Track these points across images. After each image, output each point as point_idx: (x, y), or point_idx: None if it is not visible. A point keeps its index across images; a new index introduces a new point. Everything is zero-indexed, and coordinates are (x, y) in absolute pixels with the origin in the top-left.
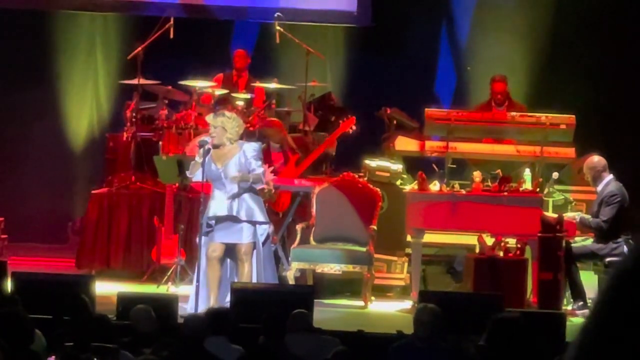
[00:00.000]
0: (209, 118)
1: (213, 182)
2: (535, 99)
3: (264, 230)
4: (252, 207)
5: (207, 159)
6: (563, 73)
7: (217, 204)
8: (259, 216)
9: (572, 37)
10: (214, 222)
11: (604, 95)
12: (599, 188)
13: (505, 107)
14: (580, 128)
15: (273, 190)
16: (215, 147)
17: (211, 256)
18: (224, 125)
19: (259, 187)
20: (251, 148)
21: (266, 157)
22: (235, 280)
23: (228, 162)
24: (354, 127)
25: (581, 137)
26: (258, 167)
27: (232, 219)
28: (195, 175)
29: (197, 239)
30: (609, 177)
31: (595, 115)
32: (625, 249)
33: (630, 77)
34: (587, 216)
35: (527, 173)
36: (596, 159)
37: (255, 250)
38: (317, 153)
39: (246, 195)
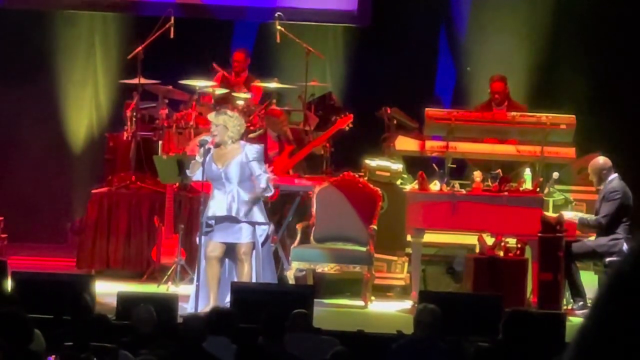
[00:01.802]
0: (211, 116)
1: (213, 182)
2: (535, 99)
3: (263, 230)
4: (251, 208)
5: (207, 158)
6: (563, 73)
7: (217, 204)
8: (259, 217)
9: (572, 36)
10: (213, 221)
11: (604, 95)
12: (602, 186)
13: (505, 107)
14: (580, 128)
15: (273, 191)
16: (217, 146)
17: (210, 256)
18: (226, 123)
19: (268, 194)
20: (253, 150)
21: (263, 142)
22: (235, 280)
23: (229, 163)
24: (350, 125)
25: (581, 137)
26: (263, 172)
27: (231, 219)
28: (196, 174)
29: (197, 239)
30: (613, 175)
31: (595, 116)
32: (625, 247)
33: (631, 76)
34: (586, 215)
35: (527, 173)
36: (602, 160)
37: (254, 251)
38: (311, 147)
39: (245, 197)
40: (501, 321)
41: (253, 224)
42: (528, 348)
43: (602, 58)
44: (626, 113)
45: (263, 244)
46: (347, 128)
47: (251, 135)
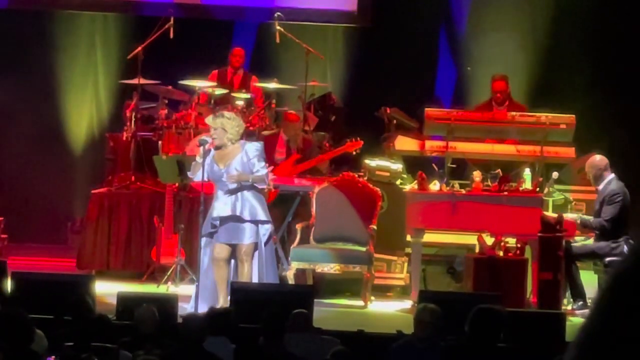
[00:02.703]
0: (209, 120)
1: (216, 183)
2: (535, 98)
3: (267, 230)
4: (255, 207)
5: (209, 159)
6: (563, 72)
7: (221, 205)
8: (262, 215)
9: (572, 36)
10: (218, 222)
11: (604, 95)
12: (601, 187)
13: (505, 106)
14: (580, 128)
15: (266, 183)
16: (217, 148)
17: (217, 257)
18: (224, 126)
19: (261, 186)
20: (253, 148)
21: (273, 143)
22: (235, 280)
23: (230, 163)
24: (358, 150)
25: (581, 137)
26: (262, 169)
27: (236, 219)
28: (197, 174)
29: (199, 239)
30: (610, 176)
31: (595, 115)
32: (625, 248)
33: (630, 76)
34: (588, 217)
35: (527, 173)
36: (598, 158)
37: (257, 251)
38: (317, 161)
39: (249, 195)
40: (468, 319)
41: (257, 223)
42: (495, 345)
43: (602, 57)
44: (626, 112)
45: (266, 243)
46: (354, 152)
47: (264, 133)
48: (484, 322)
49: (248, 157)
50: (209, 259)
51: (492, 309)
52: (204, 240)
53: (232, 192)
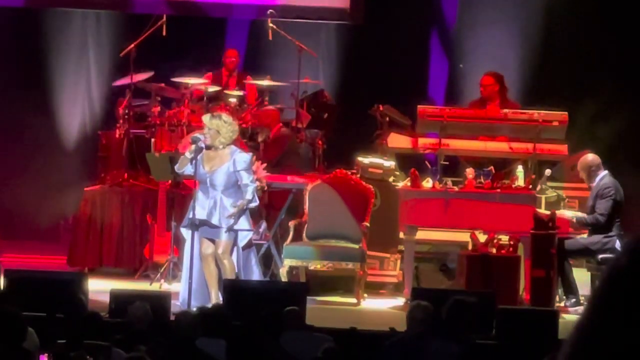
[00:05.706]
0: (206, 119)
1: (199, 183)
2: (528, 94)
3: (245, 235)
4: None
5: (198, 157)
6: (556, 68)
7: (199, 209)
8: (243, 224)
9: (565, 31)
10: (197, 222)
11: (597, 91)
12: (594, 184)
13: (497, 104)
14: (572, 125)
15: (265, 187)
16: (208, 147)
17: (205, 253)
18: (219, 128)
19: (253, 204)
20: (242, 160)
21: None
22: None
23: (216, 170)
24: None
25: (574, 134)
26: (250, 182)
27: (212, 224)
28: (183, 169)
29: (181, 231)
30: (603, 172)
31: (588, 112)
32: (618, 244)
33: (625, 72)
34: (582, 214)
35: (519, 170)
36: (590, 157)
37: (235, 252)
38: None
39: (228, 204)
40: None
41: (235, 230)
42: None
43: (595, 53)
44: (620, 110)
45: (245, 248)
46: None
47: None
48: (459, 313)
49: (235, 168)
50: (196, 253)
51: (465, 300)
52: (184, 232)
53: (211, 197)
